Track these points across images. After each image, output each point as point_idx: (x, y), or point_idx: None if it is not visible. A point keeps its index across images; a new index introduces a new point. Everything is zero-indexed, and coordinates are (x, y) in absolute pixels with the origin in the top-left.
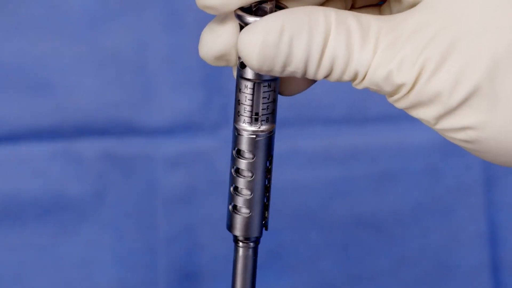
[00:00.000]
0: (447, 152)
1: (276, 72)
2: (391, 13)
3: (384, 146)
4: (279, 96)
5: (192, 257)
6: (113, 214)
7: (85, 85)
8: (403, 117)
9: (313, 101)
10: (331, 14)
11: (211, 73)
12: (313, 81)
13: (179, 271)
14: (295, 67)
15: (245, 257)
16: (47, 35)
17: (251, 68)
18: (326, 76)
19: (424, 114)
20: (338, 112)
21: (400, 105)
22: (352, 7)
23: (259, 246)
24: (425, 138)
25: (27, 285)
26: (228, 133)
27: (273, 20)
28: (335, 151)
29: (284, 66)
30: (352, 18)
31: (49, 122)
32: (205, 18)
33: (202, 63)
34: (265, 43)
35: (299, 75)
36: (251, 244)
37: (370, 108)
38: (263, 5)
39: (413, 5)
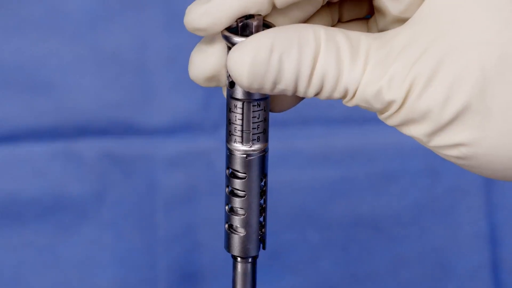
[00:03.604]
0: None
1: (266, 90)
2: (377, 27)
3: (383, 146)
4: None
5: (192, 257)
6: (113, 214)
7: (85, 85)
8: None
9: (312, 101)
10: (321, 31)
11: None
12: (303, 98)
13: (179, 271)
14: (285, 85)
15: (244, 272)
16: (47, 35)
17: (241, 86)
18: (317, 94)
19: (415, 131)
20: (337, 112)
21: (391, 122)
22: (339, 21)
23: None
24: None
25: (27, 285)
26: None
27: (263, 38)
28: (334, 151)
29: (274, 84)
30: (341, 35)
31: (49, 122)
32: None
33: None
34: (255, 61)
35: (289, 93)
36: (250, 259)
37: None
38: (250, 21)
39: (397, 20)
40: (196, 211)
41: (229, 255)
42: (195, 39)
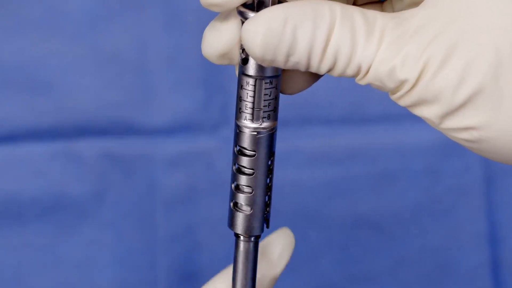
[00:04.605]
0: (447, 152)
1: (279, 62)
2: (393, 10)
3: (383, 146)
4: (280, 95)
5: (192, 257)
6: (113, 214)
7: (85, 85)
8: (402, 117)
9: (312, 101)
10: (337, 7)
11: (211, 73)
12: (315, 79)
13: (179, 271)
14: (298, 57)
15: (246, 251)
16: (47, 35)
17: (254, 58)
18: (329, 70)
19: (427, 112)
20: (337, 112)
21: (403, 102)
22: (354, 5)
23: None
24: (425, 138)
25: (27, 285)
26: (228, 133)
27: (277, 10)
28: (335, 151)
29: (287, 55)
30: (357, 13)
31: (49, 122)
32: (205, 17)
33: (202, 63)
34: (268, 31)
35: (302, 67)
36: (252, 238)
37: (370, 108)
38: None
39: (414, 3)
40: (196, 211)
41: (229, 254)
42: (195, 39)
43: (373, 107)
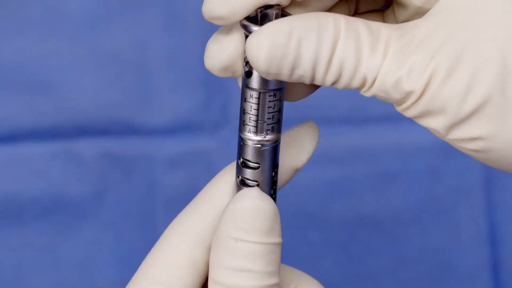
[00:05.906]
0: (447, 152)
1: (284, 75)
2: (396, 19)
3: (384, 146)
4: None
5: None
6: (113, 214)
7: (85, 85)
8: (403, 118)
9: (313, 101)
10: (341, 19)
11: (211, 73)
12: (316, 87)
13: None
14: (303, 70)
15: None
16: (47, 35)
17: (258, 71)
18: (334, 83)
19: (434, 123)
20: (338, 112)
21: (409, 113)
22: (356, 13)
23: None
24: (425, 138)
25: (27, 285)
26: (228, 133)
27: (282, 23)
28: (335, 151)
29: (292, 69)
30: (362, 25)
31: (49, 122)
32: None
33: (202, 63)
34: (273, 44)
35: (307, 80)
36: None
37: (370, 108)
38: (269, 11)
39: (419, 12)
40: None
41: None
42: (195, 39)
43: (374, 108)
